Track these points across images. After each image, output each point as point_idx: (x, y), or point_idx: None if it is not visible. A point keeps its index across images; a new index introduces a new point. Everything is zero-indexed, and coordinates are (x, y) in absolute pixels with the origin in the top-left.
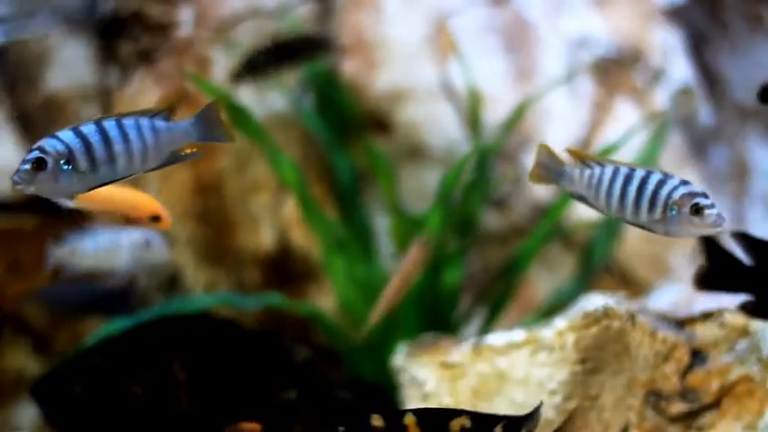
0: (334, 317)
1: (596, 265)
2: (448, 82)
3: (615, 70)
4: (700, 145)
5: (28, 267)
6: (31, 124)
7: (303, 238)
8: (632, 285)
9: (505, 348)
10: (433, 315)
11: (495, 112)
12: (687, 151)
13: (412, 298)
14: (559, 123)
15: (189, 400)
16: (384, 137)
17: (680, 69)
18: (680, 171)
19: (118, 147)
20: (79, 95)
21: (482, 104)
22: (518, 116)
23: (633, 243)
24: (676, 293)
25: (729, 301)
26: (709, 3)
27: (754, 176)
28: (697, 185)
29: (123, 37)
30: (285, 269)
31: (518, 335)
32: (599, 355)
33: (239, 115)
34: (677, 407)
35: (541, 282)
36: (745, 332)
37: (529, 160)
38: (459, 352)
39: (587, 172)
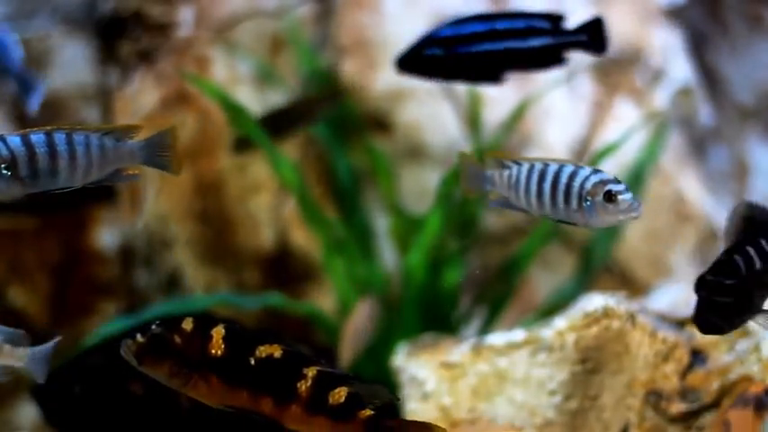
0: (334, 317)
1: (596, 265)
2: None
3: (615, 70)
4: (700, 145)
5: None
6: (31, 124)
7: (303, 238)
8: (632, 285)
9: (505, 348)
10: (433, 315)
11: (495, 112)
12: (687, 151)
13: (412, 298)
14: (559, 123)
15: (189, 400)
16: (384, 137)
17: (680, 69)
18: (680, 171)
19: (62, 161)
20: (79, 95)
21: (482, 104)
22: (518, 116)
23: (633, 243)
24: (676, 293)
25: None
26: (710, 3)
27: (754, 176)
28: (608, 173)
29: (123, 37)
30: (285, 269)
31: (518, 335)
32: (599, 355)
33: (239, 115)
34: (677, 407)
35: (541, 282)
36: (745, 332)
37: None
38: (460, 352)
39: (506, 173)
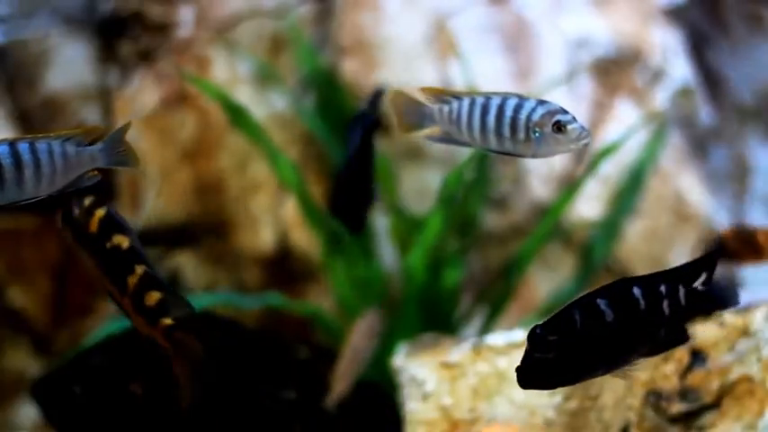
0: (334, 317)
1: (596, 265)
2: (448, 82)
3: (615, 70)
4: (700, 145)
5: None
6: (31, 124)
7: (303, 238)
8: None
9: (505, 348)
10: (433, 315)
11: None
12: (687, 151)
13: (412, 298)
14: None
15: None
16: (384, 137)
17: (680, 69)
18: (680, 171)
19: (28, 172)
20: (79, 95)
21: None
22: None
23: (633, 243)
24: None
25: None
26: (710, 3)
27: (755, 176)
28: (554, 103)
29: (123, 37)
30: (285, 269)
31: (518, 335)
32: None
33: (239, 115)
34: (677, 407)
35: (541, 282)
36: (745, 332)
37: (528, 160)
38: (460, 352)
39: (446, 108)
